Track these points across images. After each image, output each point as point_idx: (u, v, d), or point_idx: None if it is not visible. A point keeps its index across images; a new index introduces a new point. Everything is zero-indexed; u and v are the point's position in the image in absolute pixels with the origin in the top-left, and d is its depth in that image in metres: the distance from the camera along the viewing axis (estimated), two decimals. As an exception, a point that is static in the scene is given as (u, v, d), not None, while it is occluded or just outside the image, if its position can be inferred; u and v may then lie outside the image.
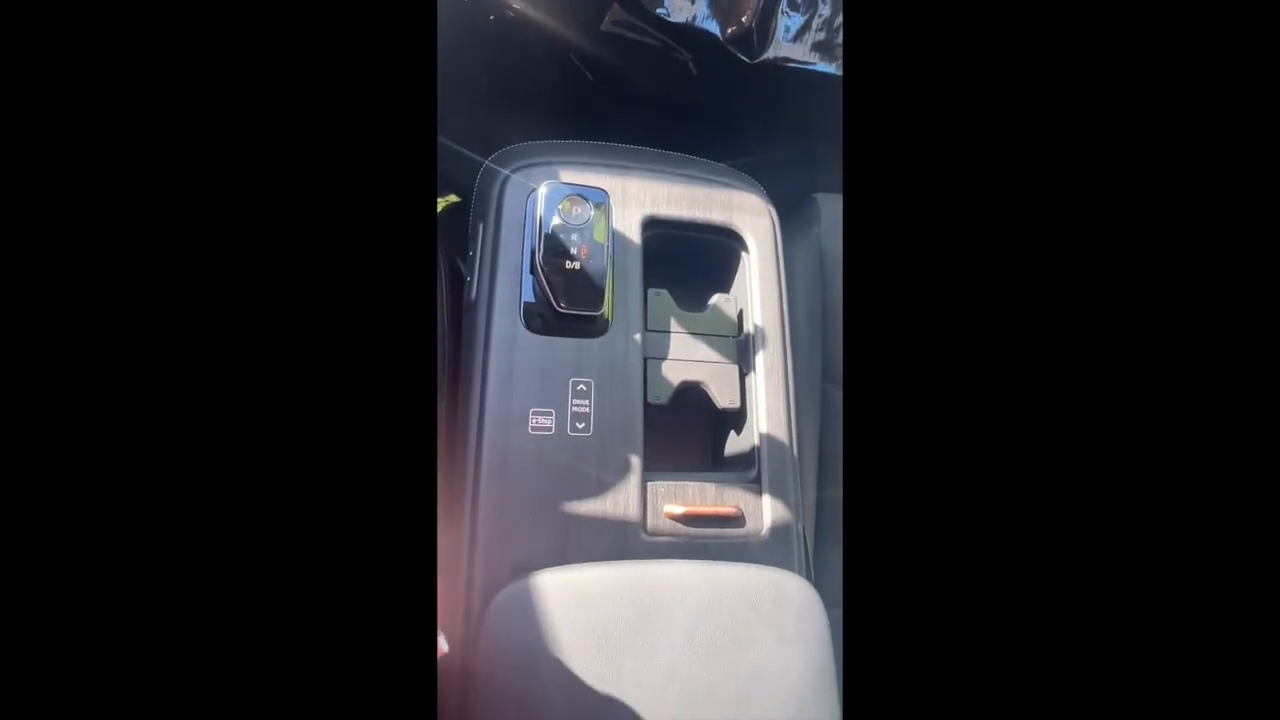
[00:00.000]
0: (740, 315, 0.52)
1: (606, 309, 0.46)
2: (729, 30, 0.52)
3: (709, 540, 0.45)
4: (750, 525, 0.46)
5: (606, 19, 0.51)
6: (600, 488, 0.43)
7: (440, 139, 0.53)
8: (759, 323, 0.50)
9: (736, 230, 0.52)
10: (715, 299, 0.52)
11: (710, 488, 0.46)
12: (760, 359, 0.49)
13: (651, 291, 0.50)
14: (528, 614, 0.38)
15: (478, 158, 0.50)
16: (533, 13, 0.49)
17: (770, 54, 0.54)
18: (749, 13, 0.51)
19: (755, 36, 0.53)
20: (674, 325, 0.50)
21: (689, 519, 0.45)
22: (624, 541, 0.43)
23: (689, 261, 0.55)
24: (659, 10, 0.49)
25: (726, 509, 0.46)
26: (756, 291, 0.51)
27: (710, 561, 0.43)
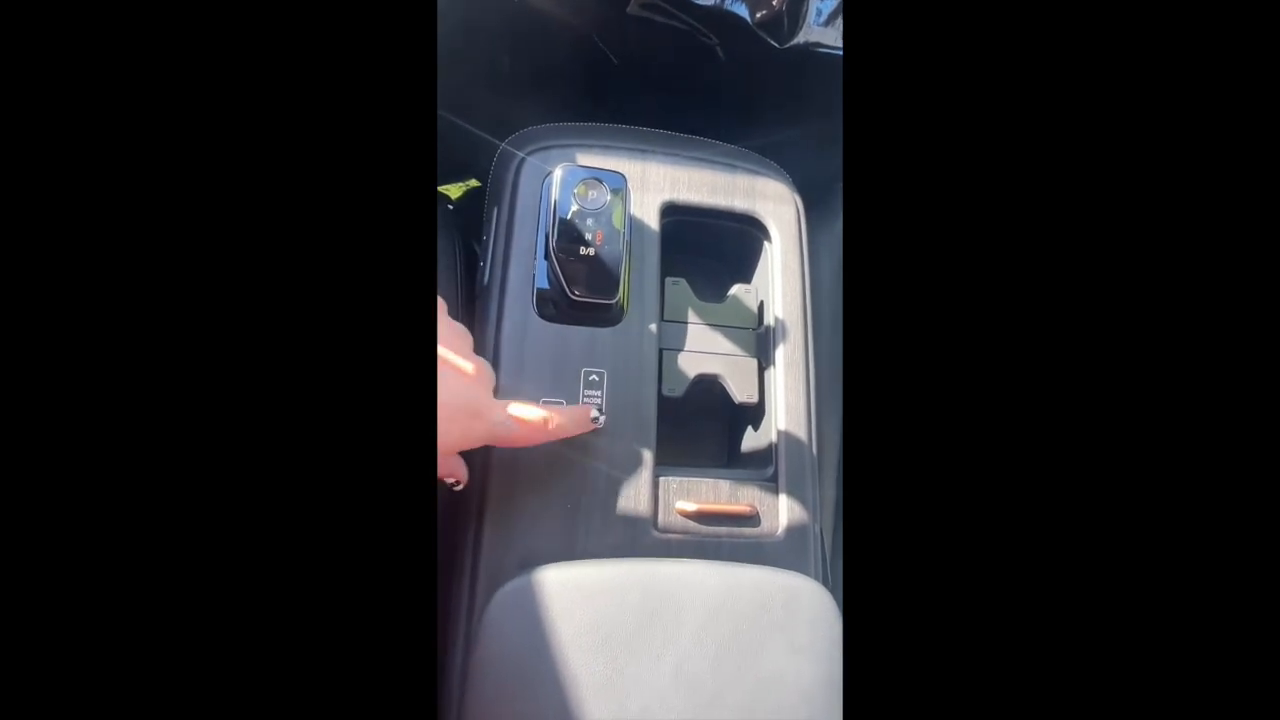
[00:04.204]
0: (761, 307, 0.50)
1: (622, 297, 0.44)
2: (759, 14, 0.50)
3: (722, 539, 0.43)
4: (765, 525, 0.44)
5: (633, 2, 0.49)
6: (610, 482, 0.42)
7: (460, 122, 0.53)
8: (780, 315, 0.48)
9: (759, 218, 0.50)
10: (735, 289, 0.50)
11: (724, 485, 0.45)
12: (781, 353, 0.48)
13: (669, 280, 0.48)
14: (531, 609, 0.37)
15: (496, 141, 0.49)
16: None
17: (800, 39, 0.52)
18: (779, -4, 0.49)
19: (786, 21, 0.51)
20: (691, 316, 0.48)
21: (701, 517, 0.43)
22: (634, 538, 0.42)
23: (709, 250, 0.53)
24: (687, -8, 0.48)
25: (741, 507, 0.44)
26: (779, 282, 0.49)
27: (722, 562, 0.41)
